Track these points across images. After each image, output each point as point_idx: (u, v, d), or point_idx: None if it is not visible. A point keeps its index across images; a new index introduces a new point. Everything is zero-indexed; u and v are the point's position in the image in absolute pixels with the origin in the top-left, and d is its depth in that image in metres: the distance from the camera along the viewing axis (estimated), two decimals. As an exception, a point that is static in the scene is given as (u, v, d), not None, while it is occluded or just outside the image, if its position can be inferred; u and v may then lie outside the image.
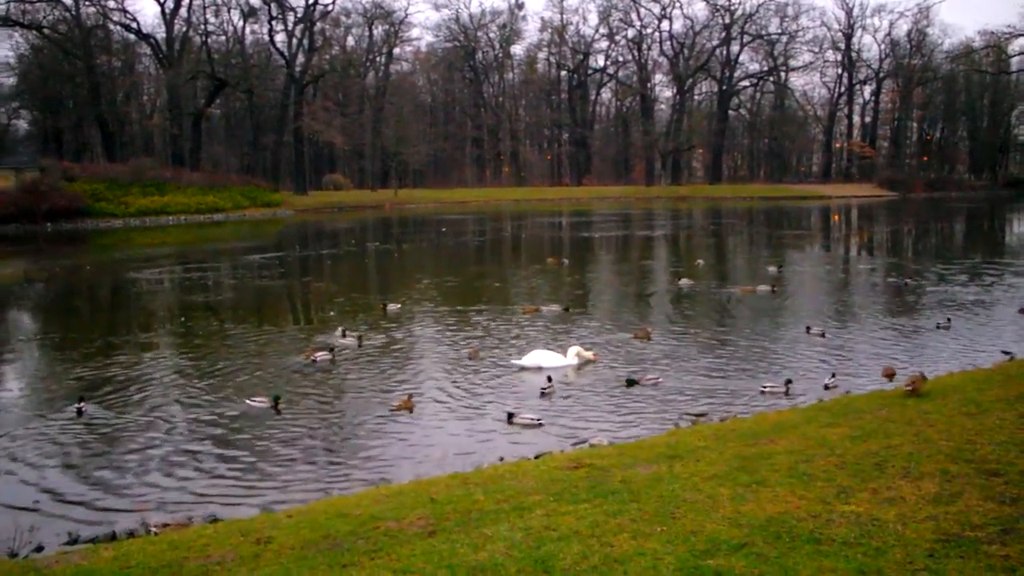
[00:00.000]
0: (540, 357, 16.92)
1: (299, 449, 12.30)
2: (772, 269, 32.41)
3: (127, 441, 12.82)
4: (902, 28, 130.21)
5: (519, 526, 7.06)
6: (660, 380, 15.31)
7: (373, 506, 8.20)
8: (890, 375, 15.07)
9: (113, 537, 8.90)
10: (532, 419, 13.15)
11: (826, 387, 14.86)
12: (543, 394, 14.88)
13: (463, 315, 23.46)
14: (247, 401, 14.39)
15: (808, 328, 20.37)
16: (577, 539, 6.62)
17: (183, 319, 24.29)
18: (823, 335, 19.72)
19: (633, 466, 8.88)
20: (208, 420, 13.78)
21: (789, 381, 14.83)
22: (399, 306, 24.56)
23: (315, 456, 12.02)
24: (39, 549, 8.78)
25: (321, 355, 18.05)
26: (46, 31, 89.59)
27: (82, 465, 11.82)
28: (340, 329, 20.66)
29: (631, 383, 15.21)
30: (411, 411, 14.05)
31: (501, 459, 11.09)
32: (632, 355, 17.89)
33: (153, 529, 8.99)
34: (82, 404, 14.32)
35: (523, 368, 16.66)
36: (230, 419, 13.78)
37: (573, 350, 17.32)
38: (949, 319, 20.90)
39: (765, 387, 14.73)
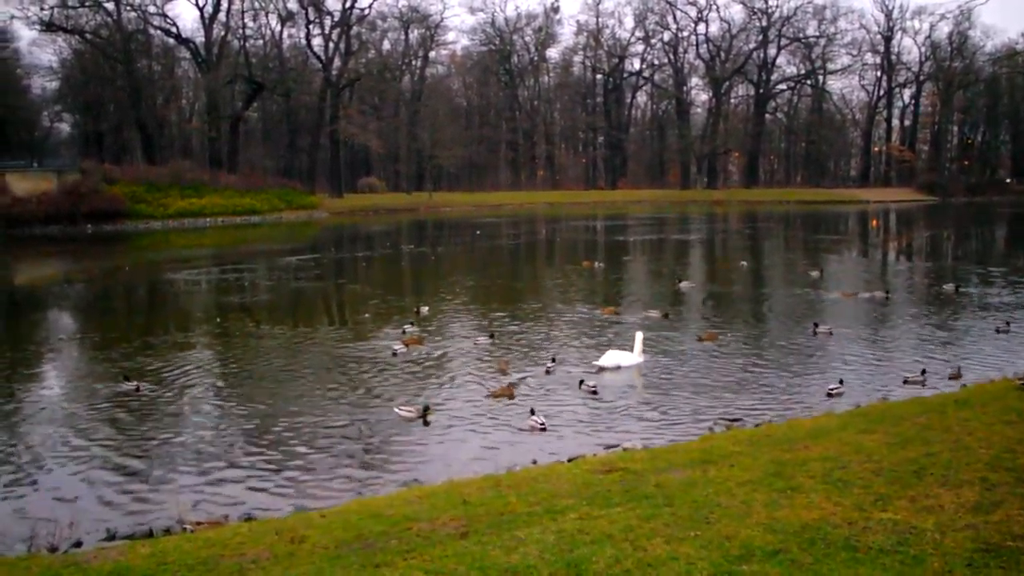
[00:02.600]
0: (617, 357, 17.21)
1: (335, 448, 12.37)
2: (814, 273, 32.15)
3: (165, 438, 12.97)
4: (943, 30, 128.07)
5: (552, 529, 7.05)
6: (596, 388, 15.30)
7: (406, 507, 8.23)
8: (954, 376, 15.64)
9: (150, 534, 9.01)
10: (537, 422, 13.21)
11: (905, 381, 15.33)
12: (591, 391, 15.12)
13: (502, 318, 23.48)
14: (395, 409, 14.00)
15: (815, 326, 20.51)
16: (610, 543, 6.60)
17: (220, 320, 24.55)
18: (830, 333, 19.97)
19: (667, 470, 8.84)
20: (245, 418, 13.92)
21: (841, 381, 15.15)
22: (427, 308, 24.61)
23: (350, 455, 12.09)
24: (78, 544, 8.91)
25: (399, 347, 18.84)
26: (88, 36, 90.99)
27: (120, 462, 11.98)
28: (405, 327, 21.39)
29: (582, 383, 15.42)
30: (512, 398, 14.61)
31: (534, 462, 11.09)
32: (688, 358, 17.81)
33: (189, 527, 9.09)
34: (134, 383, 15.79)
35: (602, 368, 16.86)
36: (266, 417, 13.90)
37: (639, 337, 17.55)
38: (1008, 323, 20.75)
39: (832, 390, 14.84)
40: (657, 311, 23.40)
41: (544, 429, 13.10)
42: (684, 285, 29.58)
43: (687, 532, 6.75)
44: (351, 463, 11.82)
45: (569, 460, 10.74)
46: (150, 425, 13.72)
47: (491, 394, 15.03)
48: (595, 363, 17.23)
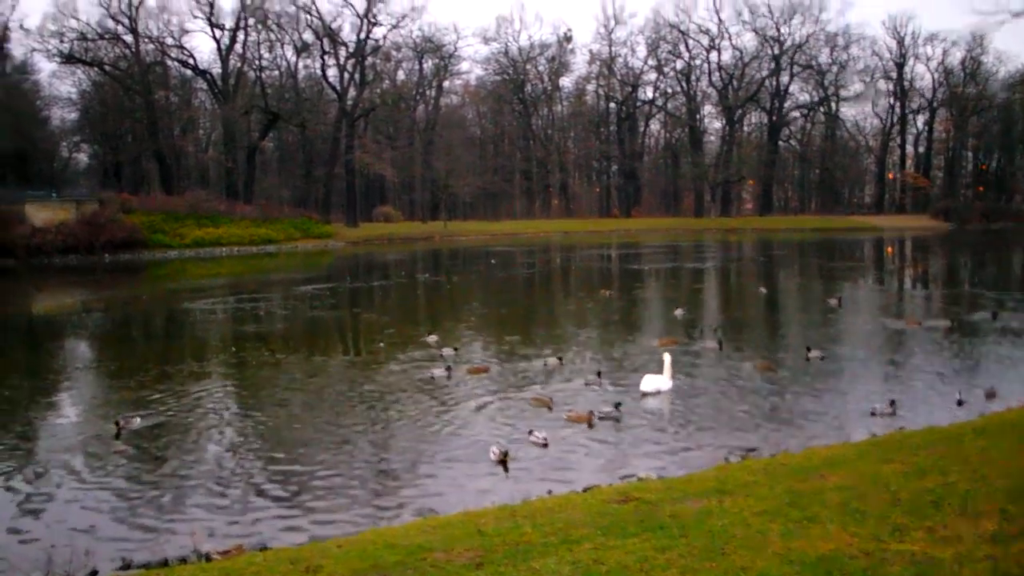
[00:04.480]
0: (655, 381, 17.37)
1: (352, 477, 12.38)
2: (832, 301, 31.98)
3: (181, 467, 13.02)
4: (956, 56, 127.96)
5: (567, 559, 7.03)
6: (620, 413, 15.33)
7: (421, 537, 8.23)
8: (990, 395, 16.18)
9: (165, 563, 9.03)
10: (540, 439, 13.57)
11: (959, 403, 15.64)
12: (604, 418, 15.12)
13: (521, 347, 23.49)
14: (491, 448, 13.24)
15: (808, 350, 20.78)
16: (625, 574, 6.58)
17: (236, 349, 24.64)
18: (822, 359, 20.19)
19: (682, 500, 8.80)
20: (261, 447, 13.96)
21: (893, 402, 15.36)
22: (436, 337, 24.61)
23: (368, 484, 12.09)
24: (94, 573, 8.94)
25: (438, 372, 19.17)
26: (107, 68, 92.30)
27: (136, 490, 12.02)
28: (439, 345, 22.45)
29: (607, 415, 15.33)
30: (591, 425, 14.61)
31: (549, 492, 11.06)
32: (709, 385, 17.75)
33: (216, 555, 9.10)
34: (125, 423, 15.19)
35: (645, 394, 17.03)
36: (284, 446, 13.93)
37: (668, 361, 17.67)
38: None
39: (875, 409, 15.16)
40: (713, 341, 23.05)
41: (546, 445, 13.35)
42: (679, 313, 29.61)
43: (702, 563, 6.72)
44: (368, 492, 11.82)
45: (584, 490, 10.71)
46: (167, 454, 13.77)
47: (568, 418, 15.06)
48: (640, 389, 17.26)
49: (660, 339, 23.88)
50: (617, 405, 15.49)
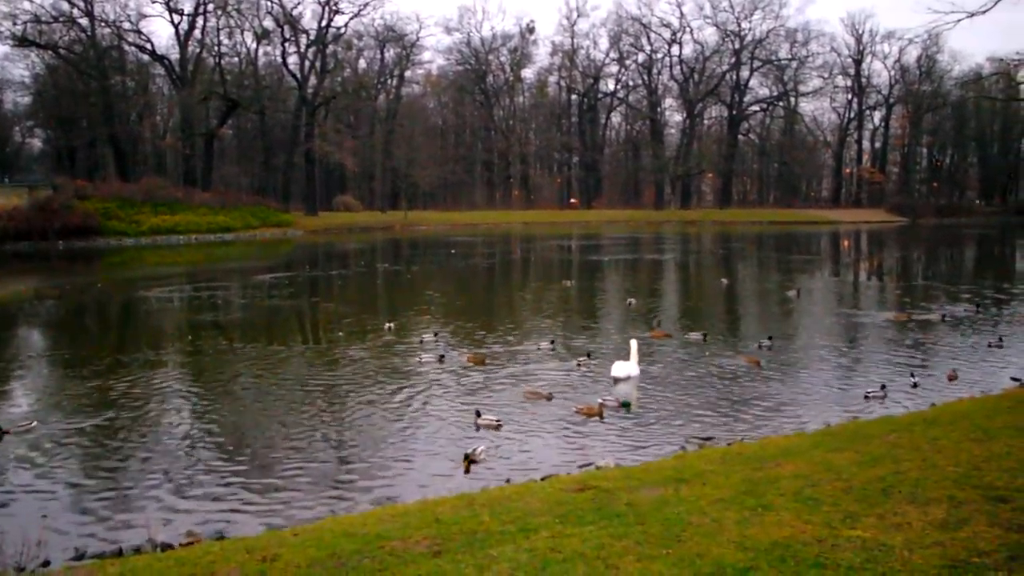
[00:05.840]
0: (625, 367, 17.61)
1: (309, 466, 12.31)
2: (791, 293, 32.39)
3: (136, 457, 12.85)
4: (911, 54, 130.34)
5: (524, 547, 7.06)
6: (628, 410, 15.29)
7: (379, 525, 8.21)
8: (952, 378, 17.00)
9: (120, 553, 8.92)
10: (492, 420, 13.81)
11: (914, 385, 16.41)
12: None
13: (482, 335, 23.49)
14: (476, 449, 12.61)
15: (769, 338, 21.44)
16: (582, 561, 6.62)
17: (192, 338, 24.35)
18: (760, 347, 20.84)
19: (639, 489, 8.87)
20: (217, 436, 13.82)
21: (884, 386, 15.95)
22: (393, 325, 24.71)
23: (324, 473, 12.03)
24: (46, 564, 8.80)
25: (426, 356, 19.46)
26: (62, 51, 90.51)
27: (90, 480, 11.85)
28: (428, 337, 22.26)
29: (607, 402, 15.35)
30: (602, 418, 14.54)
31: (507, 480, 11.09)
32: (668, 373, 17.87)
33: (160, 546, 9.00)
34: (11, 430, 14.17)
35: (617, 379, 17.28)
36: (240, 435, 13.81)
37: (635, 346, 17.91)
38: (1001, 338, 21.33)
39: (869, 393, 15.69)
40: (698, 333, 22.98)
41: (500, 427, 13.65)
42: (631, 302, 30.08)
43: (659, 550, 6.79)
44: (325, 481, 11.76)
45: (542, 478, 10.76)
46: (120, 443, 13.58)
47: (578, 411, 14.90)
48: (611, 374, 17.48)
49: (652, 332, 23.75)
50: (625, 405, 15.28)
